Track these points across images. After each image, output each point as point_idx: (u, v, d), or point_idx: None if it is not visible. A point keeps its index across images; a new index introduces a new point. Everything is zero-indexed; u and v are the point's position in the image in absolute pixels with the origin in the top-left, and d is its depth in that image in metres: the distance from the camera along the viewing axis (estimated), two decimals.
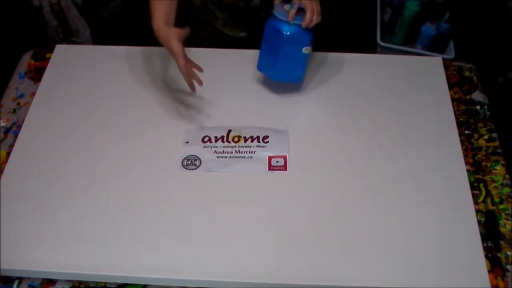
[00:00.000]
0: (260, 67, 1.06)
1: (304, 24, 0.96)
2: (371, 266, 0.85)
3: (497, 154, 1.01)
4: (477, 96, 1.11)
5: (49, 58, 1.17)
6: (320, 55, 1.17)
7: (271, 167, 0.98)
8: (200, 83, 0.97)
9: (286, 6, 0.99)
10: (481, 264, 0.85)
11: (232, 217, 0.91)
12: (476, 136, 1.04)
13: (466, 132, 1.05)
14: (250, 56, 1.16)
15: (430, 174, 0.96)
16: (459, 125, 1.05)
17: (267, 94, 1.09)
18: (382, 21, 1.79)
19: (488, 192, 0.96)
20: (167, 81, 1.12)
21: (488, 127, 1.06)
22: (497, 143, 1.03)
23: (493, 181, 0.97)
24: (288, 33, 0.98)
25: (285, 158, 0.99)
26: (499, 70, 1.71)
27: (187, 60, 0.96)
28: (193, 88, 0.98)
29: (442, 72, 1.12)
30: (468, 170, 0.98)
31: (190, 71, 0.96)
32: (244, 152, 1.00)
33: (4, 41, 1.71)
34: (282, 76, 1.04)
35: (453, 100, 1.09)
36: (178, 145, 1.01)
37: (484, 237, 0.89)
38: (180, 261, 0.86)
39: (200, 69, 0.99)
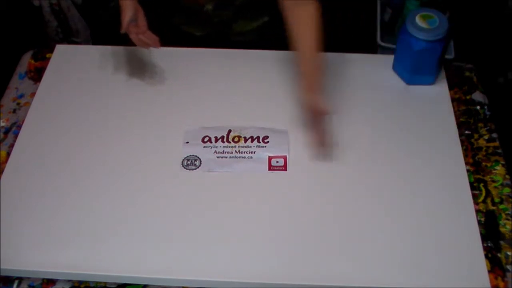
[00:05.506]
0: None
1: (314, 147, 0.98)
2: (371, 266, 0.85)
3: (497, 154, 1.01)
4: (477, 96, 1.11)
5: (49, 58, 1.17)
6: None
7: (271, 167, 0.98)
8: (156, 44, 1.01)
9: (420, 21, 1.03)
10: (481, 264, 0.85)
11: (232, 217, 0.91)
12: (476, 136, 1.04)
13: (466, 132, 1.05)
14: (251, 56, 1.16)
15: (430, 174, 0.96)
16: (459, 125, 1.05)
17: (267, 94, 1.09)
18: (382, 21, 1.78)
19: (488, 192, 0.96)
20: (167, 81, 1.12)
21: (488, 127, 1.06)
22: (497, 143, 1.03)
23: (493, 181, 0.97)
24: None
25: (285, 158, 0.99)
26: (499, 70, 1.71)
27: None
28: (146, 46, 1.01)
29: (442, 71, 1.12)
30: (468, 170, 0.98)
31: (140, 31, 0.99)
32: (244, 152, 1.00)
33: (4, 41, 1.70)
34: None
35: (453, 100, 1.09)
36: (178, 145, 1.01)
37: (484, 237, 0.89)
38: (180, 261, 0.86)
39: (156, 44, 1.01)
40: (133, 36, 1.00)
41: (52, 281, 0.87)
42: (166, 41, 1.12)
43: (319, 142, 0.97)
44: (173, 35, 1.23)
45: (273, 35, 1.16)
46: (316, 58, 0.97)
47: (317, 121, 0.96)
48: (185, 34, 1.23)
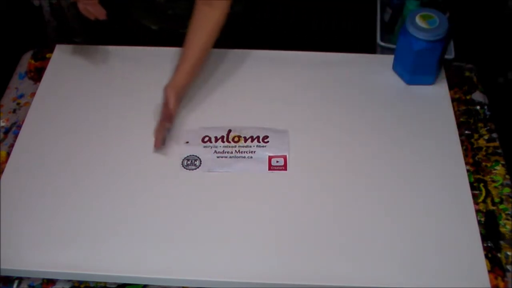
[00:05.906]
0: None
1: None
2: (371, 266, 0.85)
3: (497, 154, 1.01)
4: (477, 96, 1.11)
5: (49, 58, 1.17)
6: (320, 55, 1.17)
7: (271, 167, 0.98)
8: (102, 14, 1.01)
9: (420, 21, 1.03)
10: (481, 264, 0.85)
11: (232, 217, 0.91)
12: (476, 136, 1.04)
13: (466, 132, 1.05)
14: (251, 56, 1.16)
15: (430, 174, 0.96)
16: (459, 125, 1.05)
17: (267, 94, 1.09)
18: (382, 21, 1.78)
19: (488, 192, 0.96)
20: (167, 81, 1.12)
21: (488, 127, 1.06)
22: (497, 143, 1.03)
23: (493, 181, 0.97)
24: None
25: (285, 158, 0.99)
26: (499, 70, 1.71)
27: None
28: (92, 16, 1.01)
29: (442, 71, 1.12)
30: (468, 170, 0.98)
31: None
32: (244, 152, 1.00)
33: (4, 41, 1.70)
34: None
35: (453, 100, 1.09)
36: (178, 145, 1.01)
37: (484, 237, 0.89)
38: (180, 261, 0.86)
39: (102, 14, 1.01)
40: (81, 6, 1.01)
41: (52, 281, 0.87)
42: (127, 34, 1.12)
43: (156, 138, 0.99)
44: (133, 28, 1.22)
45: (233, 35, 1.14)
46: (194, 61, 1.01)
47: (163, 118, 0.99)
48: (144, 27, 1.22)
